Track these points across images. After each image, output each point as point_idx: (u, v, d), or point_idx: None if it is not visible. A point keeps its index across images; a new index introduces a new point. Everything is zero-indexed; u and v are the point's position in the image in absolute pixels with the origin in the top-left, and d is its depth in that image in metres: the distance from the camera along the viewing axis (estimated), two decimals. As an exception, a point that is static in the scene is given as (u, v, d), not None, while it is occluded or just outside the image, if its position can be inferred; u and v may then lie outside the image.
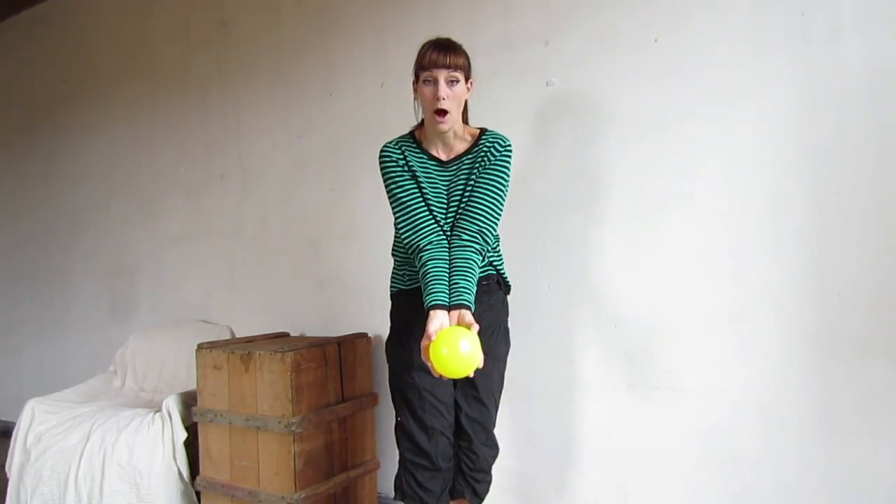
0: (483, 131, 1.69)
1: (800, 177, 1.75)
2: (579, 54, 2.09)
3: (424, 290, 1.51)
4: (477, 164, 1.64)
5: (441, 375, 1.40)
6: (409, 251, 1.63)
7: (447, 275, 1.53)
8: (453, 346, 1.35)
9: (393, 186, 1.65)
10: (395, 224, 1.67)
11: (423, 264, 1.55)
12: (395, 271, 1.80)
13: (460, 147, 1.67)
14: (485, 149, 1.64)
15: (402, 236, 1.63)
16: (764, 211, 1.80)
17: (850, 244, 1.69)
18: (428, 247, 1.58)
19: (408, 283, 1.75)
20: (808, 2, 1.74)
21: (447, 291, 1.50)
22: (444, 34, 2.28)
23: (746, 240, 1.83)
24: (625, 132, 2.01)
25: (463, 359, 1.35)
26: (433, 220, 1.63)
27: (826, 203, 1.72)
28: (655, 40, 1.96)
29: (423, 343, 1.43)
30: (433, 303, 1.47)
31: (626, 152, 2.01)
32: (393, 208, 1.66)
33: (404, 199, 1.63)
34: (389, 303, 1.84)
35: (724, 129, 1.86)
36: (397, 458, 1.76)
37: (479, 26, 2.29)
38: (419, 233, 1.61)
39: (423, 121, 1.69)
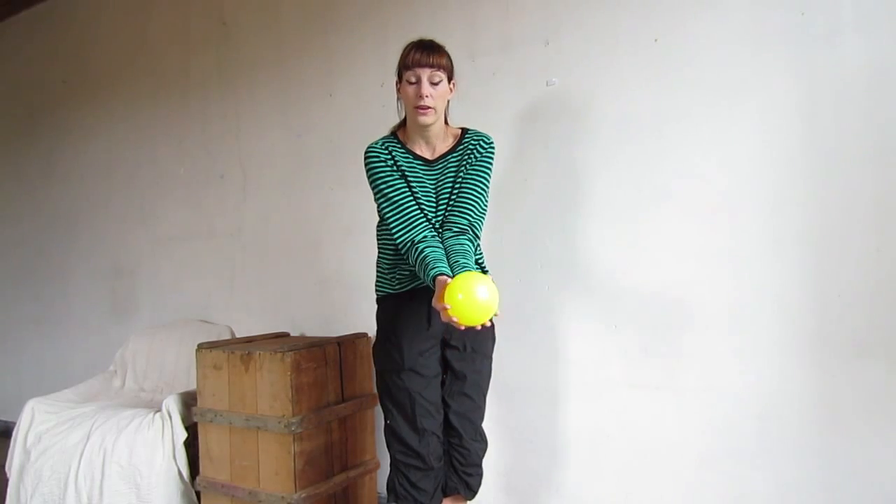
0: (465, 130, 1.71)
1: (800, 177, 1.75)
2: (579, 54, 2.09)
3: (426, 269, 1.49)
4: (464, 162, 1.67)
5: (459, 323, 1.34)
6: (403, 248, 1.62)
7: (445, 256, 1.54)
8: (469, 292, 1.30)
9: (382, 185, 1.64)
10: (386, 222, 1.65)
11: (420, 252, 1.54)
12: (382, 276, 1.79)
13: (443, 146, 1.69)
14: (471, 146, 1.68)
15: (395, 233, 1.62)
16: (764, 211, 1.80)
17: (850, 244, 1.69)
18: (422, 240, 1.58)
19: (396, 286, 1.75)
20: (808, 2, 1.74)
21: (449, 266, 1.49)
22: (444, 34, 2.28)
23: (746, 240, 1.82)
24: (625, 132, 2.01)
25: (480, 304, 1.30)
26: (424, 217, 1.64)
27: (826, 203, 1.72)
28: (655, 40, 1.96)
29: (437, 294, 1.38)
30: (438, 272, 1.44)
31: (626, 152, 2.01)
32: (382, 207, 1.65)
33: (394, 197, 1.63)
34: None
35: (723, 129, 1.86)
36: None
37: (479, 26, 2.29)
38: (413, 229, 1.61)
39: (404, 121, 1.70)
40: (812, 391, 1.74)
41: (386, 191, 1.63)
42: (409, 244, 1.60)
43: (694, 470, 1.91)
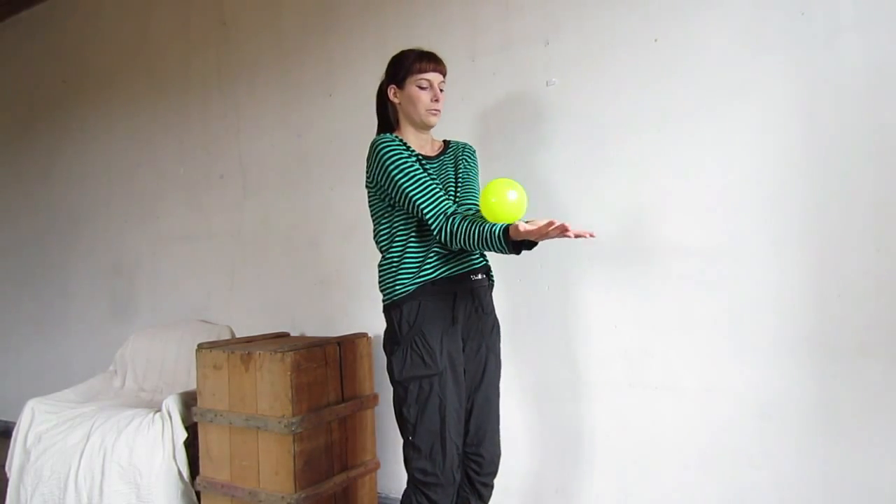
0: (447, 141, 1.85)
1: (799, 177, 1.75)
2: (579, 54, 2.09)
3: (483, 229, 1.49)
4: (460, 159, 1.80)
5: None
6: (435, 223, 1.57)
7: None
8: (501, 195, 1.46)
9: (406, 167, 1.61)
10: (414, 203, 1.59)
11: (462, 219, 1.55)
12: (406, 272, 1.65)
13: (433, 151, 1.79)
14: (460, 148, 1.83)
15: (427, 211, 1.58)
16: (764, 211, 1.80)
17: (850, 244, 1.69)
18: (455, 212, 1.58)
19: (423, 275, 1.64)
20: (808, 2, 1.74)
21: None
22: (444, 34, 2.28)
23: (746, 240, 1.82)
24: (624, 132, 2.01)
25: (511, 206, 1.46)
26: (446, 193, 1.69)
27: (826, 203, 1.72)
28: (655, 40, 1.96)
29: (531, 227, 1.41)
30: (503, 225, 1.47)
31: (626, 152, 2.01)
32: (408, 189, 1.59)
33: (422, 177, 1.61)
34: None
35: (723, 129, 1.86)
36: (395, 457, 1.75)
37: (479, 26, 2.29)
38: (443, 203, 1.59)
39: (390, 125, 1.77)
40: (812, 391, 1.74)
41: (411, 171, 1.61)
42: (442, 218, 1.57)
43: (694, 470, 1.91)
